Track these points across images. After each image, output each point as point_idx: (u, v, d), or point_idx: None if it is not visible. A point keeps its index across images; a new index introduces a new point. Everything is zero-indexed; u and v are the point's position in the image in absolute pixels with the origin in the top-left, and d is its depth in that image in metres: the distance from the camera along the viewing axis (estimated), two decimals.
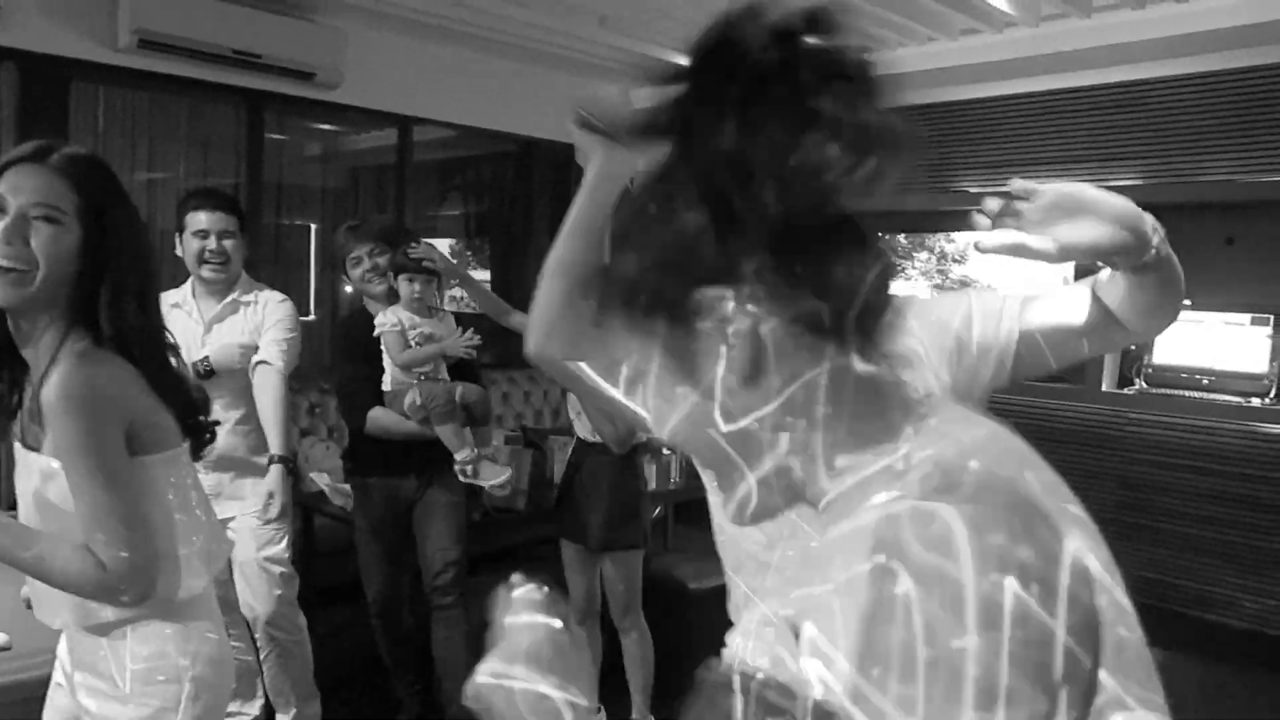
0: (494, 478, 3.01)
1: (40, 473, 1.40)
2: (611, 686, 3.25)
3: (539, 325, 1.26)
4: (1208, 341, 4.41)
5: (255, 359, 2.80)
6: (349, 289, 5.19)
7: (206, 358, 2.75)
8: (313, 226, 5.25)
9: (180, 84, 4.29)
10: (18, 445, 1.47)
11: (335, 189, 5.42)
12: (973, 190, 5.25)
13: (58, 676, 1.59)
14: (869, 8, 4.28)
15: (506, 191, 6.11)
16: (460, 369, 3.04)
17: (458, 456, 2.94)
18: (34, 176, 1.35)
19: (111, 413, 1.36)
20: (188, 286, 2.91)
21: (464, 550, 3.02)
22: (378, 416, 2.98)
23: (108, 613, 1.43)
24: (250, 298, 2.91)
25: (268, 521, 2.78)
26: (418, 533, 3.02)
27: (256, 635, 2.91)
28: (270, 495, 2.75)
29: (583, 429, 3.11)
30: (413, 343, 2.93)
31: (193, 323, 2.84)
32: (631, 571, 3.12)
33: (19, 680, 1.70)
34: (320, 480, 3.70)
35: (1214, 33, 4.02)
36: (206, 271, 2.82)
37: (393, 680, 3.21)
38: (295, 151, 5.20)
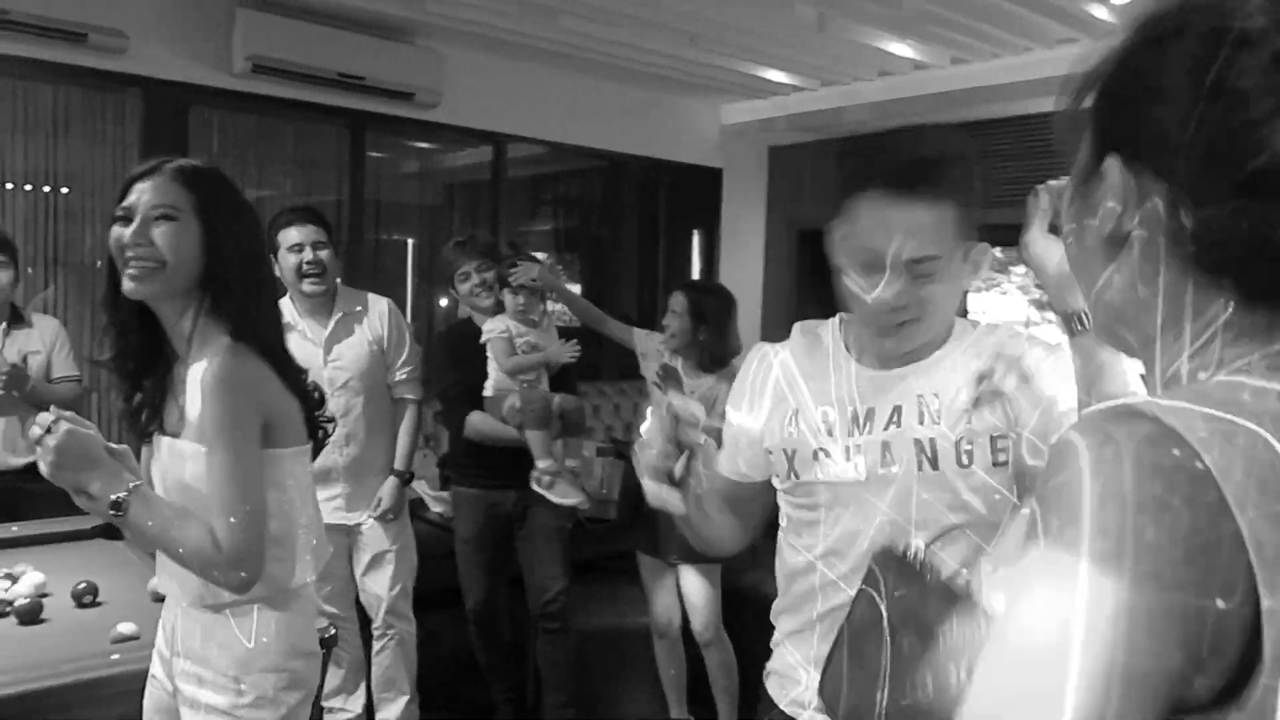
0: (566, 497, 3.01)
1: (179, 455, 1.50)
2: (699, 700, 3.26)
3: None
4: None
5: (396, 395, 3.05)
6: (444, 302, 5.33)
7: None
8: (410, 242, 5.42)
9: (288, 106, 4.50)
10: (157, 434, 1.56)
11: (431, 205, 5.59)
12: None
13: (155, 669, 1.64)
14: (961, 19, 4.23)
15: (595, 206, 6.20)
16: (559, 379, 3.11)
17: (539, 465, 2.98)
18: (149, 184, 1.51)
19: (253, 402, 1.47)
20: (287, 306, 2.90)
21: (570, 575, 3.12)
22: (476, 422, 3.06)
23: (226, 593, 1.50)
24: (359, 308, 3.01)
25: (378, 519, 2.94)
26: (523, 555, 3.11)
27: (375, 625, 3.03)
28: (380, 500, 2.96)
29: None
30: (519, 350, 3.01)
31: (309, 344, 2.87)
32: (710, 585, 3.12)
33: (146, 669, 1.79)
34: (418, 487, 3.82)
35: None
36: (308, 285, 2.86)
37: (488, 686, 3.28)
38: (394, 169, 5.38)
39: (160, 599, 2.08)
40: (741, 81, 5.43)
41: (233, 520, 1.40)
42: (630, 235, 6.09)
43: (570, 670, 3.12)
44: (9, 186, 4.02)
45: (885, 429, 1.30)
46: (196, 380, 1.46)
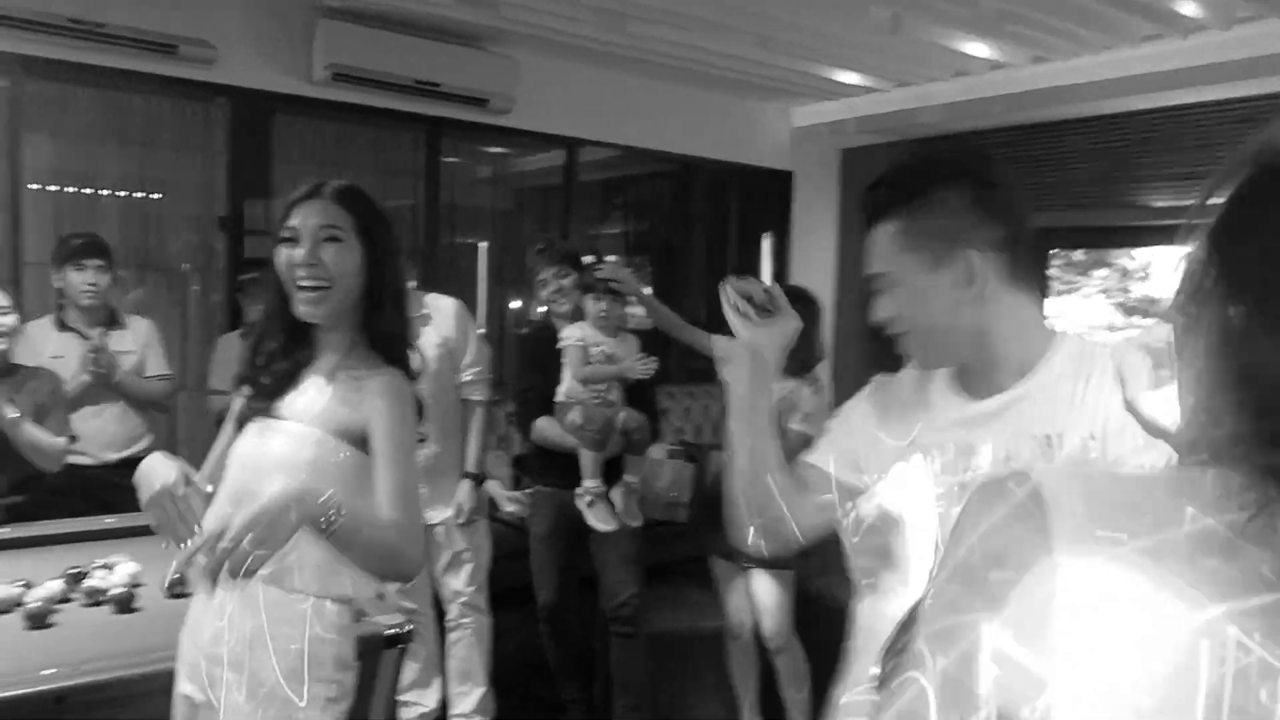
0: (602, 522, 3.04)
1: (295, 437, 1.57)
2: (771, 706, 3.23)
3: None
4: None
5: (463, 395, 3.12)
6: (517, 305, 5.40)
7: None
8: (483, 245, 5.50)
9: (367, 113, 4.60)
10: (260, 417, 1.63)
11: (504, 209, 5.67)
12: (1156, 204, 4.97)
13: (183, 687, 1.61)
14: (1041, 17, 4.14)
15: (665, 210, 6.21)
16: (636, 390, 3.13)
17: (585, 483, 3.02)
18: (314, 207, 1.58)
19: (415, 416, 1.61)
20: None
21: (643, 579, 3.14)
22: (542, 426, 3.11)
23: (348, 586, 1.57)
24: (424, 311, 3.07)
25: (462, 525, 3.02)
26: (596, 556, 3.14)
27: (450, 618, 3.10)
28: (460, 505, 3.04)
29: None
30: (593, 359, 3.03)
31: None
32: (781, 590, 3.10)
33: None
34: (491, 487, 3.87)
35: None
36: None
37: (557, 685, 3.31)
38: (468, 174, 5.47)
39: (177, 594, 2.14)
40: (813, 84, 5.39)
41: (407, 516, 1.51)
42: (700, 238, 6.09)
43: (641, 673, 3.14)
44: (104, 193, 4.20)
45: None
46: (378, 392, 1.56)
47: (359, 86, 4.43)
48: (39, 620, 2.02)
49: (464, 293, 4.70)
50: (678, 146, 5.62)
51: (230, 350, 3.70)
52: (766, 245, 6.24)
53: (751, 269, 6.22)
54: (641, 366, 3.07)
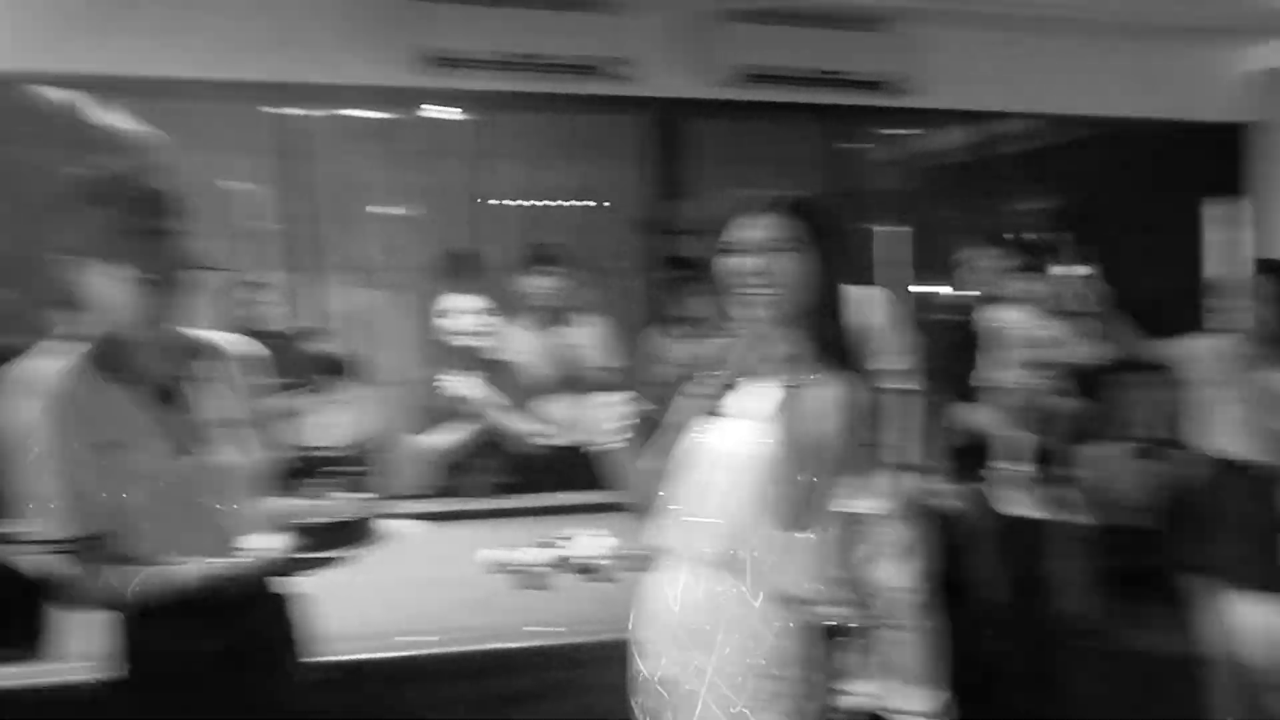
0: (1006, 505, 2.90)
1: (747, 436, 1.64)
2: None
3: None
4: None
5: (890, 385, 3.04)
6: (934, 289, 5.21)
7: None
8: (895, 230, 5.38)
9: (771, 108, 4.67)
10: (709, 414, 1.72)
11: (912, 192, 5.51)
12: None
13: (644, 665, 1.70)
14: None
15: (1090, 180, 5.64)
16: (1083, 377, 2.92)
17: (1006, 464, 2.89)
18: (761, 220, 1.63)
19: (864, 417, 1.65)
20: None
21: (1098, 587, 2.99)
22: (968, 412, 3.02)
23: (798, 583, 1.66)
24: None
25: (896, 519, 2.99)
26: (1043, 557, 2.97)
27: (891, 614, 3.06)
28: (891, 497, 2.98)
29: (1225, 442, 2.68)
30: (1033, 343, 2.88)
31: None
32: (1275, 616, 2.63)
33: None
34: (923, 480, 3.77)
35: None
36: None
37: (1007, 694, 3.10)
38: (873, 158, 5.41)
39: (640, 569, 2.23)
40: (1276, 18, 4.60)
41: (803, 503, 1.58)
42: (1133, 208, 5.46)
43: (1099, 691, 2.87)
44: (549, 204, 4.69)
45: None
46: (831, 398, 1.60)
47: (765, 84, 4.51)
48: (530, 582, 2.27)
49: (880, 280, 4.63)
50: (1100, 108, 5.08)
51: (656, 344, 3.95)
52: (1212, 213, 5.46)
53: (1193, 238, 5.48)
54: (1085, 353, 2.83)
